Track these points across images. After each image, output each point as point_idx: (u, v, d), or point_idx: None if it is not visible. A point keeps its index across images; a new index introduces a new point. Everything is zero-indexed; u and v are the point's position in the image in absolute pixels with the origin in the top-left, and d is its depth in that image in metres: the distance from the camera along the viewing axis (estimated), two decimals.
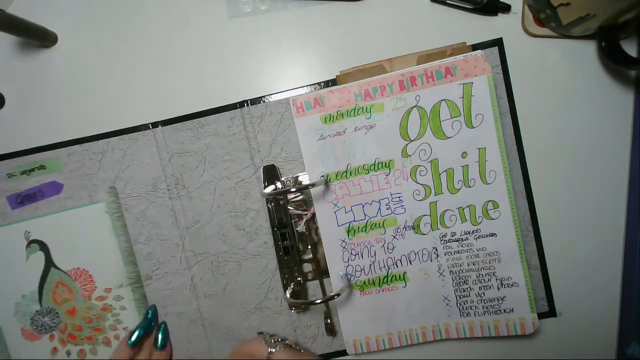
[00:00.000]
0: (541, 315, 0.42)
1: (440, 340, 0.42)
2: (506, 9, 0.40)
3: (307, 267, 0.43)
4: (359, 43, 0.41)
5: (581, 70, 0.40)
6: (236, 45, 0.42)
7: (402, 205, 0.40)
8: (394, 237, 0.41)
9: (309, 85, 0.42)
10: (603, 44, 0.37)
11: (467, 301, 0.41)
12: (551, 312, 0.42)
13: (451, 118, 0.38)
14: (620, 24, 0.36)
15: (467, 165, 0.39)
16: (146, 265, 0.43)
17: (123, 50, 0.43)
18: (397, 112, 0.39)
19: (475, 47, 0.40)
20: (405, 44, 0.41)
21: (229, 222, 0.43)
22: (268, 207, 0.42)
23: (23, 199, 0.43)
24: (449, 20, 0.41)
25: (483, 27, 0.40)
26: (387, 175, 0.40)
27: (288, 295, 0.41)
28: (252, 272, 0.43)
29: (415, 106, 0.39)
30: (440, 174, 0.39)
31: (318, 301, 0.38)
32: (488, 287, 0.40)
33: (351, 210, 0.41)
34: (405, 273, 0.41)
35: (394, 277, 0.41)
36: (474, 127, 0.38)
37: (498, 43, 0.40)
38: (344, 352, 0.43)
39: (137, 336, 0.41)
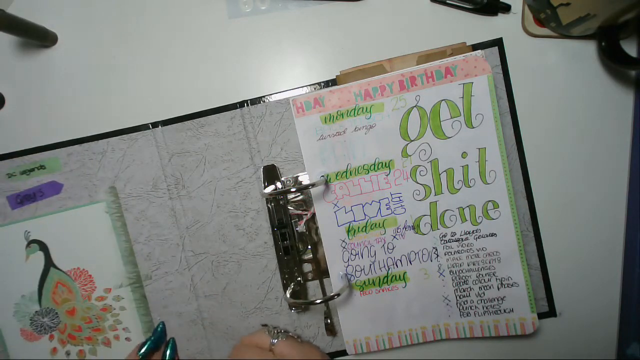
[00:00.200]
0: (541, 315, 0.42)
1: (440, 340, 0.42)
2: (506, 9, 0.40)
3: (307, 267, 0.43)
4: (359, 43, 0.41)
5: (581, 70, 0.40)
6: (236, 45, 0.42)
7: (402, 205, 0.40)
8: (394, 237, 0.41)
9: (309, 85, 0.42)
10: (603, 44, 0.37)
11: (467, 301, 0.41)
12: (551, 312, 0.42)
13: (451, 118, 0.38)
14: (620, 24, 0.36)
15: (467, 165, 0.39)
16: (146, 265, 0.43)
17: (123, 50, 0.43)
18: (397, 112, 0.39)
19: (475, 47, 0.40)
20: (405, 44, 0.41)
21: (229, 222, 0.43)
22: (268, 207, 0.42)
23: (23, 199, 0.43)
24: (449, 20, 0.41)
25: (483, 27, 0.40)
26: (387, 175, 0.40)
27: (288, 295, 0.41)
28: (252, 272, 0.43)
29: (415, 106, 0.39)
30: (440, 174, 0.39)
31: (318, 301, 0.38)
32: (488, 287, 0.40)
33: (351, 210, 0.41)
34: (405, 273, 0.41)
35: (394, 277, 0.41)
36: (474, 127, 0.38)
37: (498, 43, 0.40)
38: (344, 352, 0.43)
39: (148, 348, 0.41)
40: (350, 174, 0.40)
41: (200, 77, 0.42)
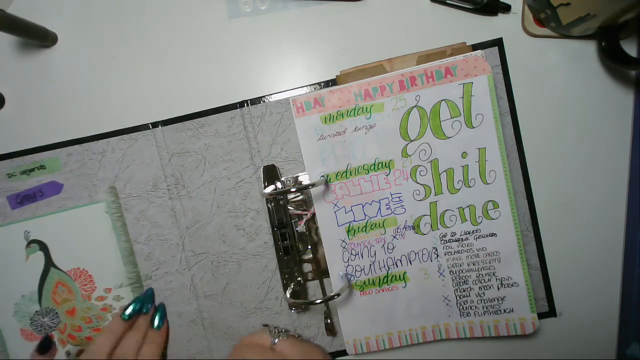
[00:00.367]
0: (541, 315, 0.42)
1: (440, 340, 0.42)
2: (506, 9, 0.40)
3: (307, 267, 0.43)
4: (359, 43, 0.41)
5: (581, 70, 0.40)
6: (236, 45, 0.42)
7: (402, 205, 0.40)
8: (394, 237, 0.41)
9: (309, 85, 0.42)
10: (603, 44, 0.37)
11: (467, 301, 0.41)
12: (551, 312, 0.42)
13: (451, 118, 0.38)
14: (620, 24, 0.36)
15: (467, 165, 0.39)
16: (146, 265, 0.43)
17: (123, 50, 0.43)
18: (397, 112, 0.39)
19: (475, 47, 0.40)
20: (405, 44, 0.41)
21: (229, 222, 0.43)
22: (268, 207, 0.42)
23: (23, 199, 0.43)
24: (449, 20, 0.41)
25: (483, 27, 0.40)
26: (387, 175, 0.40)
27: (288, 295, 0.41)
28: (252, 272, 0.43)
29: (415, 106, 0.39)
30: (440, 174, 0.39)
31: (318, 301, 0.38)
32: (488, 287, 0.40)
33: (351, 210, 0.41)
34: (405, 273, 0.41)
35: (394, 277, 0.41)
36: (474, 127, 0.38)
37: (498, 43, 0.40)
38: (344, 352, 0.43)
39: (132, 309, 0.41)
40: (350, 174, 0.40)
41: (200, 77, 0.42)
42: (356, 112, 0.39)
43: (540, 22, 0.39)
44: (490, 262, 0.40)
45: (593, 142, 0.41)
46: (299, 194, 0.42)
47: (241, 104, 0.42)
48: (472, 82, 0.38)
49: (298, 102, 0.39)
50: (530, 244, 0.41)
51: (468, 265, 0.40)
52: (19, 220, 0.43)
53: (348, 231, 0.41)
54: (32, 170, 0.43)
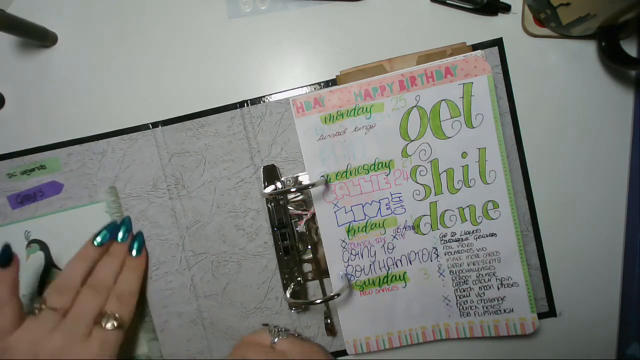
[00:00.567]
0: (541, 315, 0.42)
1: (440, 340, 0.42)
2: (506, 9, 0.40)
3: (307, 267, 0.43)
4: (359, 43, 0.41)
5: (581, 70, 0.40)
6: (236, 45, 0.42)
7: (402, 205, 0.40)
8: (394, 237, 0.41)
9: (309, 85, 0.42)
10: (603, 44, 0.37)
11: (467, 301, 0.41)
12: (551, 312, 0.42)
13: (451, 118, 0.38)
14: (620, 24, 0.36)
15: (467, 165, 0.39)
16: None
17: (123, 50, 0.43)
18: (397, 112, 0.39)
19: (475, 47, 0.40)
20: (405, 44, 0.41)
21: (229, 222, 0.43)
22: (268, 207, 0.42)
23: (23, 199, 0.43)
24: (449, 20, 0.41)
25: (483, 27, 0.40)
26: (387, 175, 0.40)
27: (288, 295, 0.41)
28: (252, 272, 0.43)
29: (415, 106, 0.39)
30: (440, 174, 0.39)
31: (318, 301, 0.38)
32: (488, 287, 0.40)
33: (351, 210, 0.41)
34: (405, 273, 0.41)
35: (394, 277, 0.41)
36: (474, 127, 0.38)
37: (498, 43, 0.40)
38: (344, 352, 0.43)
39: (103, 236, 0.39)
40: (350, 174, 0.40)
41: (200, 77, 0.42)
42: (356, 112, 0.39)
43: (540, 22, 0.39)
44: (490, 262, 0.40)
45: (593, 142, 0.41)
46: (299, 194, 0.42)
47: (241, 104, 0.42)
48: (472, 82, 0.38)
49: (298, 102, 0.39)
50: (530, 244, 0.41)
51: (468, 265, 0.40)
52: (19, 220, 0.43)
53: (348, 231, 0.41)
54: (33, 170, 0.43)
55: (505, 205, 0.39)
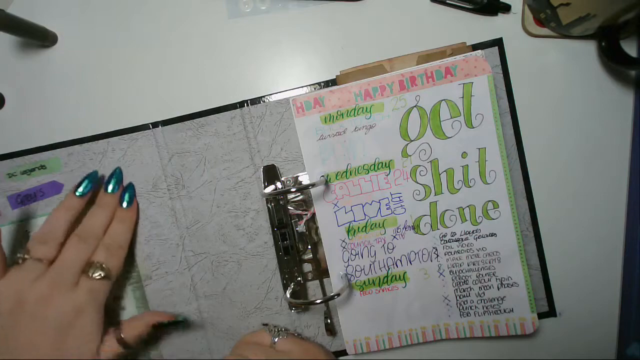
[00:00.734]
0: (541, 315, 0.42)
1: (440, 340, 0.42)
2: (506, 9, 0.40)
3: (307, 267, 0.43)
4: (359, 43, 0.41)
5: (581, 70, 0.40)
6: (236, 45, 0.42)
7: (402, 205, 0.40)
8: (394, 237, 0.41)
9: (309, 85, 0.42)
10: (603, 44, 0.37)
11: (467, 301, 0.41)
12: (551, 312, 0.42)
13: (451, 118, 0.38)
14: (620, 24, 0.36)
15: (467, 165, 0.39)
16: (146, 265, 0.43)
17: (123, 50, 0.43)
18: (397, 112, 0.39)
19: (475, 47, 0.40)
20: (405, 44, 0.41)
21: (229, 222, 0.43)
22: (268, 207, 0.42)
23: (23, 199, 0.43)
24: (449, 20, 0.41)
25: (483, 27, 0.41)
26: (387, 175, 0.40)
27: (288, 295, 0.41)
28: (252, 272, 0.43)
29: (415, 106, 0.39)
30: (440, 174, 0.39)
31: (318, 301, 0.38)
32: (488, 287, 0.40)
33: (351, 210, 0.41)
34: (405, 273, 0.41)
35: (394, 277, 0.41)
36: (474, 127, 0.38)
37: (498, 43, 0.40)
38: (344, 352, 0.43)
39: (85, 186, 0.38)
40: (350, 174, 0.40)
41: (200, 77, 0.42)
42: (356, 112, 0.39)
43: (540, 22, 0.39)
44: (490, 262, 0.40)
45: (593, 142, 0.41)
46: (299, 194, 0.42)
47: (241, 104, 0.42)
48: (472, 82, 0.38)
49: (298, 102, 0.39)
50: (530, 244, 0.41)
51: (468, 265, 0.40)
52: (19, 220, 0.43)
53: (348, 231, 0.41)
54: (33, 170, 0.43)
55: (505, 205, 0.39)
